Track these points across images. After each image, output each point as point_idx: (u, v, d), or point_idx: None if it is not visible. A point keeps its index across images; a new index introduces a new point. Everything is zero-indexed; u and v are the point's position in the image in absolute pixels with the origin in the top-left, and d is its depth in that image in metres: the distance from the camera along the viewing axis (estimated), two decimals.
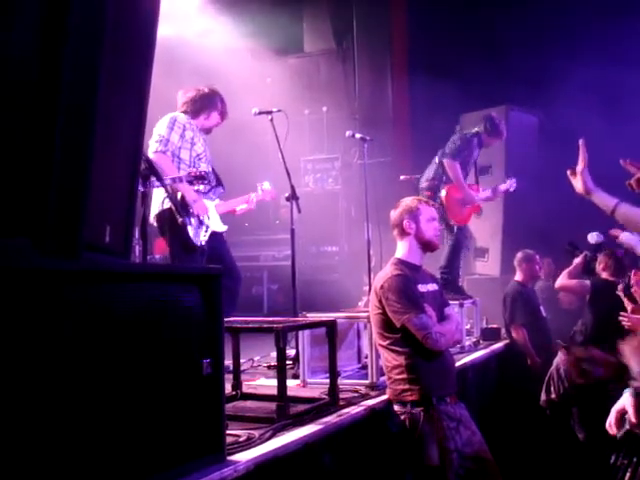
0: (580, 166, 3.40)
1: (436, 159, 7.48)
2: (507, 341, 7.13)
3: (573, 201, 9.02)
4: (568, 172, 3.50)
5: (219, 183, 5.70)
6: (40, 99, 2.04)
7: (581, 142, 3.46)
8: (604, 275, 6.34)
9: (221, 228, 5.72)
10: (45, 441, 2.00)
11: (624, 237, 5.19)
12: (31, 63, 2.04)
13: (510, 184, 7.72)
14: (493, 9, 10.44)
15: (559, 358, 6.10)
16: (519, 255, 7.31)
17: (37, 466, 1.98)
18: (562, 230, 6.80)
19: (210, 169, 5.52)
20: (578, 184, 3.44)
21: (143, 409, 2.37)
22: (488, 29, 10.33)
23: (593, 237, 6.58)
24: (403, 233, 4.25)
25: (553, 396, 5.97)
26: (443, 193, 7.27)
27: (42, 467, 1.99)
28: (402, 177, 8.20)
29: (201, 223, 5.38)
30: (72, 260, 2.21)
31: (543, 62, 9.69)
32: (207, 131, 5.79)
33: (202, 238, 5.37)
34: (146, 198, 4.17)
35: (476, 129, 7.68)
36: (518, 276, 7.16)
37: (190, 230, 5.18)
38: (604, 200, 3.33)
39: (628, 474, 4.68)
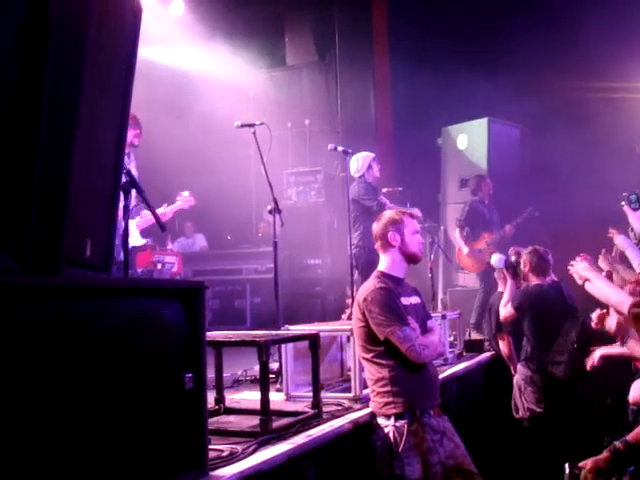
0: None
1: None
2: (492, 352, 7.13)
3: (553, 213, 9.10)
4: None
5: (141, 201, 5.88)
6: (20, 114, 2.03)
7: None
8: (532, 277, 6.25)
9: (140, 242, 6.19)
10: (24, 453, 1.99)
11: (618, 240, 5.27)
12: (10, 78, 2.03)
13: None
14: (477, 23, 10.53)
15: (518, 375, 6.13)
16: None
17: None
18: (543, 241, 6.83)
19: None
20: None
21: (123, 424, 2.35)
22: (472, 42, 10.41)
23: (497, 261, 6.62)
24: (387, 245, 4.23)
25: (521, 414, 5.99)
26: None
27: None
28: (385, 190, 8.23)
29: None
30: (53, 275, 2.20)
31: (527, 75, 9.76)
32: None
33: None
34: (127, 211, 4.16)
35: None
36: (501, 287, 7.18)
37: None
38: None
39: None
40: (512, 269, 6.42)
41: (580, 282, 4.23)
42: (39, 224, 2.08)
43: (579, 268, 4.20)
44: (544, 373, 5.87)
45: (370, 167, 7.76)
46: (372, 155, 7.85)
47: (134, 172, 5.85)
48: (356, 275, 7.15)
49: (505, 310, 6.28)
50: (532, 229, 8.63)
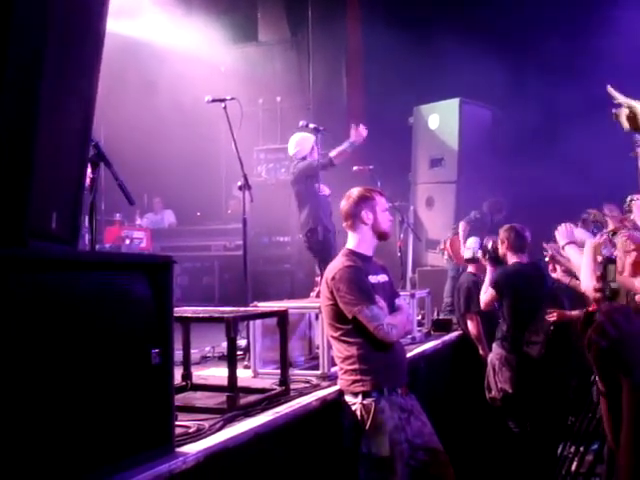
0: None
1: None
2: (460, 332, 7.15)
3: (524, 194, 9.13)
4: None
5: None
6: None
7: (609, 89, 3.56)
8: (510, 255, 6.19)
9: None
10: None
11: (577, 232, 5.26)
12: None
13: None
14: (452, 5, 10.52)
15: (493, 355, 6.13)
16: None
17: None
18: (512, 222, 6.88)
19: None
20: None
21: (89, 400, 2.32)
22: (443, 22, 10.39)
23: (472, 244, 6.59)
24: (359, 223, 4.19)
25: (494, 393, 6.01)
26: None
27: None
28: (355, 168, 8.21)
29: None
30: (17, 247, 2.15)
31: (498, 56, 9.76)
32: None
33: None
34: (95, 184, 4.10)
35: None
36: (470, 268, 7.20)
37: None
38: None
39: (575, 463, 4.77)
40: (492, 257, 6.31)
41: (562, 243, 4.13)
42: (1, 195, 2.03)
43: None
44: (518, 353, 5.84)
45: (313, 149, 7.39)
46: (314, 137, 7.34)
47: None
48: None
49: (485, 295, 6.18)
50: (500, 210, 8.68)
